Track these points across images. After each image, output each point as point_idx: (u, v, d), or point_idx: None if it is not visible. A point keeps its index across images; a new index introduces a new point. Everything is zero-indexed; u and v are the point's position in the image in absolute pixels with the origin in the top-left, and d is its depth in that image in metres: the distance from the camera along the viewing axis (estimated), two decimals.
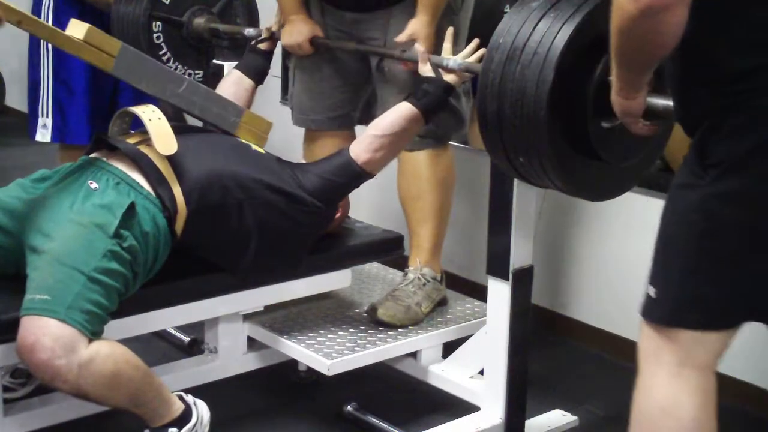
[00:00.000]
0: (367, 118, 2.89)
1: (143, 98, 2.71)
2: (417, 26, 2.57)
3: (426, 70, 2.48)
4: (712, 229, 1.60)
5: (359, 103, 2.92)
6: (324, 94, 2.91)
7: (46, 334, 2.02)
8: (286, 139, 3.11)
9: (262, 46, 2.89)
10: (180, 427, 2.22)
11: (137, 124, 2.44)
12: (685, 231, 1.63)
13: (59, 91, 3.13)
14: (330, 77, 2.90)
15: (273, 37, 2.89)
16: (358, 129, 2.89)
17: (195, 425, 2.25)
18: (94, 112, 3.15)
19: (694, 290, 1.64)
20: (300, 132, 3.10)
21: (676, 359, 1.66)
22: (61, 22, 2.71)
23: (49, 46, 3.10)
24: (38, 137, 3.17)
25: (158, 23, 3.00)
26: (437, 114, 2.53)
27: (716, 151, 1.58)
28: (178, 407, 2.24)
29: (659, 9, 1.47)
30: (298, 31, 2.79)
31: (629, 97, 1.72)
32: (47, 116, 3.14)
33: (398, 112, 2.50)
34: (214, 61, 3.16)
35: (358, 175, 2.51)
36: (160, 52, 2.99)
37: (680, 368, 1.66)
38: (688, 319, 1.65)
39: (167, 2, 3.01)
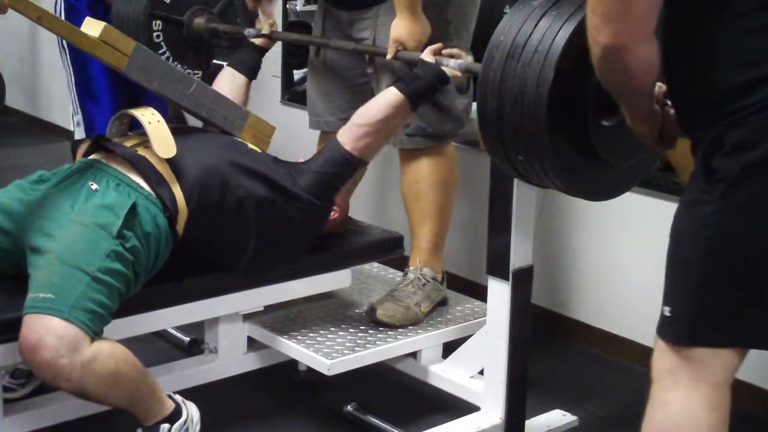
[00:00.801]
0: None
1: (151, 99, 2.72)
2: (398, 27, 2.53)
3: (427, 58, 2.44)
4: (721, 246, 1.59)
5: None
6: (332, 95, 2.92)
7: (49, 332, 2.02)
8: (286, 139, 3.11)
9: (259, 42, 2.88)
10: (171, 424, 2.23)
11: (137, 126, 2.44)
12: (695, 248, 1.62)
13: (82, 89, 3.15)
14: (335, 79, 2.90)
15: (271, 35, 2.89)
16: None
17: (186, 422, 2.26)
18: (117, 109, 3.16)
19: (705, 308, 1.63)
20: (298, 133, 3.10)
21: (693, 376, 1.65)
22: (74, 21, 2.70)
23: (65, 45, 3.11)
24: (76, 134, 3.21)
25: (158, 22, 3.00)
26: (425, 99, 2.50)
27: (721, 167, 1.57)
28: (170, 405, 2.26)
29: (617, 49, 1.54)
30: None
31: (634, 121, 1.75)
32: (78, 113, 3.18)
33: (382, 99, 2.49)
34: (214, 61, 3.16)
35: (349, 162, 2.49)
36: (160, 51, 2.98)
37: (696, 384, 1.65)
38: (701, 336, 1.64)
39: (168, 2, 3.00)
